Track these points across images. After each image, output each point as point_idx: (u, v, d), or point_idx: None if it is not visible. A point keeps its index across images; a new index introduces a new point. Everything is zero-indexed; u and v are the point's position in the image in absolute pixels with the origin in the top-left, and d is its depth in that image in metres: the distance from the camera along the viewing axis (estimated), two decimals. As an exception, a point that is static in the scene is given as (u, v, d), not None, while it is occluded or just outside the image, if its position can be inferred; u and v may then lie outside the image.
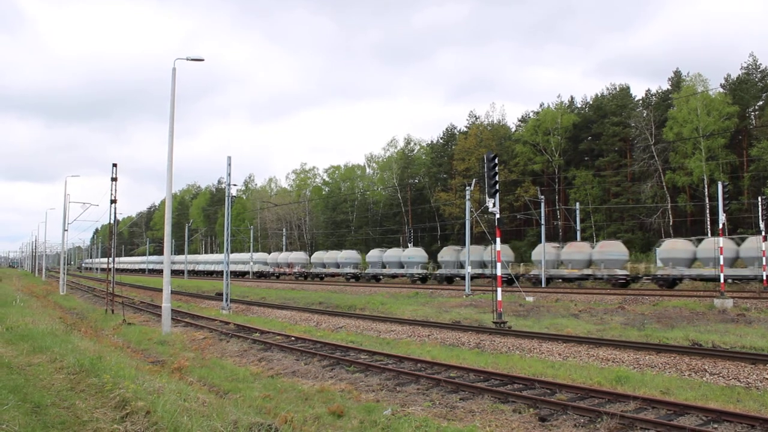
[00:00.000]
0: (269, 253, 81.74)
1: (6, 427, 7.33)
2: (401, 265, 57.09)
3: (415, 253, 57.26)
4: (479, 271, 48.04)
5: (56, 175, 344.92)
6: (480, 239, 56.90)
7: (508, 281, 44.94)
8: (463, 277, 47.73)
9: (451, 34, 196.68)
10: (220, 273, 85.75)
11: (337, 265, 64.69)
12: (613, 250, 42.29)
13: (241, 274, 79.79)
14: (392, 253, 59.36)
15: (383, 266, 59.09)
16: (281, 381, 13.54)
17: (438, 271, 53.98)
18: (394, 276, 58.50)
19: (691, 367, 14.09)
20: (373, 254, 61.23)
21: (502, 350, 17.77)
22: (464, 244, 42.19)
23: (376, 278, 59.83)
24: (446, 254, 53.19)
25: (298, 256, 73.44)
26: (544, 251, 44.56)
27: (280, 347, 18.71)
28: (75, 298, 45.28)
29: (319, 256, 69.06)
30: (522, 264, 54.63)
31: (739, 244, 37.80)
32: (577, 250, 44.06)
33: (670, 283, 38.96)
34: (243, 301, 36.77)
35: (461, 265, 49.55)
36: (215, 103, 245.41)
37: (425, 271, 56.45)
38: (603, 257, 41.83)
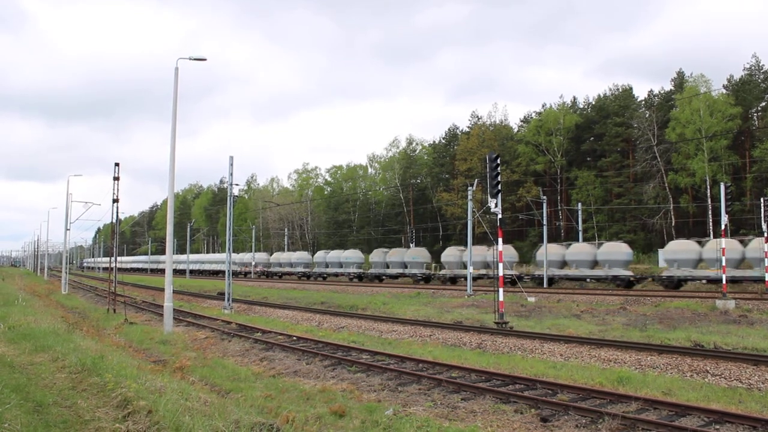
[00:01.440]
0: (271, 254, 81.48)
1: (8, 426, 7.34)
2: (404, 266, 57.05)
3: (418, 254, 57.21)
4: (483, 271, 47.94)
5: (58, 175, 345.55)
6: (482, 239, 56.90)
7: (512, 282, 45.00)
8: (466, 278, 47.66)
9: (452, 34, 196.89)
10: (213, 272, 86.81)
11: (340, 265, 64.52)
12: (617, 250, 42.22)
13: (243, 275, 79.65)
14: (395, 254, 59.30)
15: (386, 266, 59.00)
16: (283, 381, 13.54)
17: (441, 272, 53.88)
18: (397, 276, 58.45)
19: (693, 368, 14.08)
20: (377, 254, 61.19)
21: (504, 350, 17.76)
22: (467, 245, 42.12)
23: (379, 278, 59.71)
24: (449, 255, 53.10)
25: (300, 256, 73.02)
26: (546, 251, 44.55)
27: (282, 347, 18.72)
28: (77, 297, 45.33)
29: (322, 255, 68.77)
30: (524, 264, 54.58)
31: (746, 245, 37.67)
32: (582, 250, 43.94)
33: (676, 284, 38.82)
34: (245, 301, 36.79)
35: (464, 266, 49.13)
36: (217, 103, 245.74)
37: (428, 271, 56.34)
38: (608, 258, 41.73)
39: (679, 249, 39.73)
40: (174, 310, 23.75)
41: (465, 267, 47.96)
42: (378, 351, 17.11)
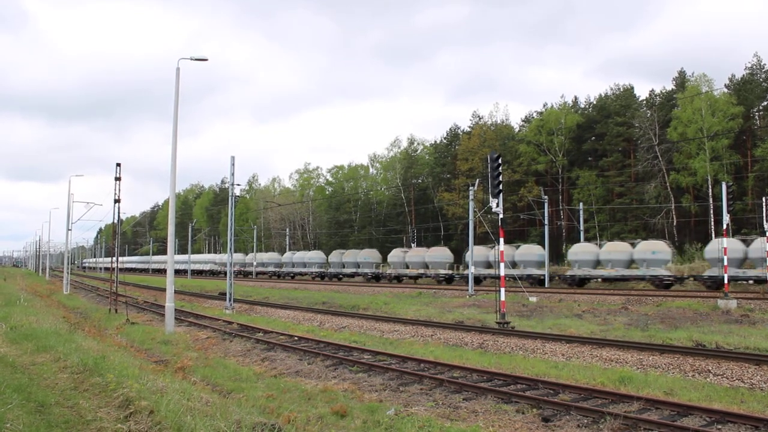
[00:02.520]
0: (282, 254, 79.34)
1: (10, 427, 7.35)
2: (426, 266, 54.64)
3: (440, 253, 54.86)
4: (511, 272, 45.02)
5: (59, 175, 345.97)
6: (484, 239, 56.83)
7: (541, 281, 44.44)
8: (494, 278, 46.86)
9: (452, 34, 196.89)
10: (207, 272, 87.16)
11: (357, 266, 62.20)
12: (656, 249, 40.13)
13: (243, 275, 79.53)
14: (415, 253, 56.89)
15: (406, 266, 56.63)
16: (284, 381, 13.54)
17: (466, 271, 51.52)
18: (417, 277, 56.00)
19: (695, 368, 14.07)
20: (396, 254, 58.55)
21: (506, 350, 17.75)
22: (469, 245, 42.04)
23: (398, 279, 57.10)
24: (475, 253, 50.58)
25: (314, 256, 70.65)
26: (548, 251, 44.46)
27: (284, 347, 18.72)
28: (79, 297, 45.37)
29: (338, 255, 66.18)
30: (554, 264, 52.86)
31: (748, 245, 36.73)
32: (617, 249, 41.92)
33: (720, 285, 37.83)
34: (246, 301, 36.80)
35: (490, 265, 47.92)
36: (218, 103, 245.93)
37: (451, 271, 53.86)
38: (646, 257, 39.68)
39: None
40: (175, 310, 23.77)
41: (491, 266, 47.41)
42: (379, 351, 17.11)
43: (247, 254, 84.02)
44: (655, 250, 40.00)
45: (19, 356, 13.36)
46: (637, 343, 17.36)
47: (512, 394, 11.69)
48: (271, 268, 76.92)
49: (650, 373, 13.81)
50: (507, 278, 40.95)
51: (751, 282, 36.30)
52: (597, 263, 42.76)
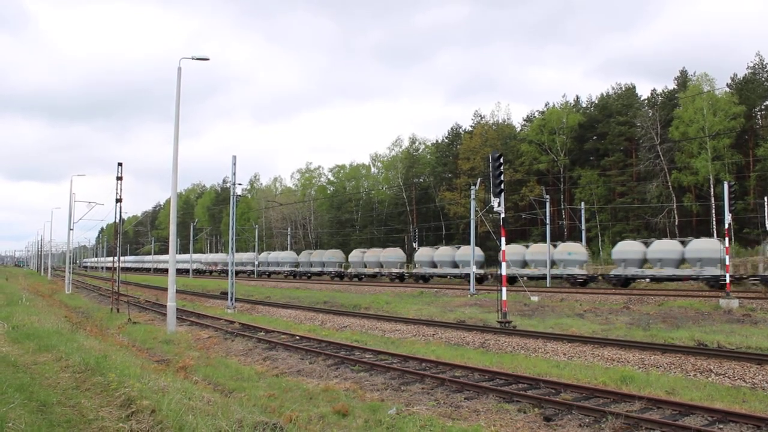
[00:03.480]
0: (298, 253, 77.17)
1: (12, 426, 7.36)
2: (455, 265, 52.29)
3: (470, 252, 52.53)
4: (547, 271, 44.40)
5: (61, 175, 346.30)
6: (485, 239, 56.83)
7: (583, 283, 42.77)
8: (530, 278, 45.77)
9: (452, 34, 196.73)
10: (199, 272, 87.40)
11: (380, 265, 60.04)
12: (709, 247, 37.64)
13: (246, 274, 79.50)
14: (444, 252, 54.45)
15: (434, 265, 54.79)
16: (286, 380, 13.55)
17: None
18: (445, 276, 53.88)
19: (697, 368, 14.05)
20: (423, 253, 56.47)
21: (507, 350, 17.75)
22: (470, 244, 41.89)
23: (425, 279, 55.40)
24: (510, 252, 48.01)
25: (333, 255, 68.12)
26: (549, 251, 44.31)
27: (285, 346, 18.73)
28: (80, 297, 45.42)
29: (359, 255, 63.38)
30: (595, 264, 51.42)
31: None
32: (666, 248, 39.52)
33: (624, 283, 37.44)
34: (248, 300, 36.82)
35: (526, 264, 46.71)
36: (219, 103, 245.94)
37: (483, 270, 50.97)
38: (698, 255, 37.37)
39: None
40: (177, 309, 23.78)
41: (526, 265, 46.67)
42: (381, 350, 17.11)
43: (299, 253, 79.09)
44: (709, 249, 37.38)
45: (21, 356, 13.37)
46: (638, 342, 17.35)
47: (514, 394, 11.69)
48: (286, 268, 74.81)
49: (652, 373, 13.80)
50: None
51: (647, 281, 38.14)
52: (644, 262, 40.68)
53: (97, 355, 12.65)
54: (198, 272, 79.99)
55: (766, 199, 35.86)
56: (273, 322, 25.86)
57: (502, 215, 21.97)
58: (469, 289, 38.65)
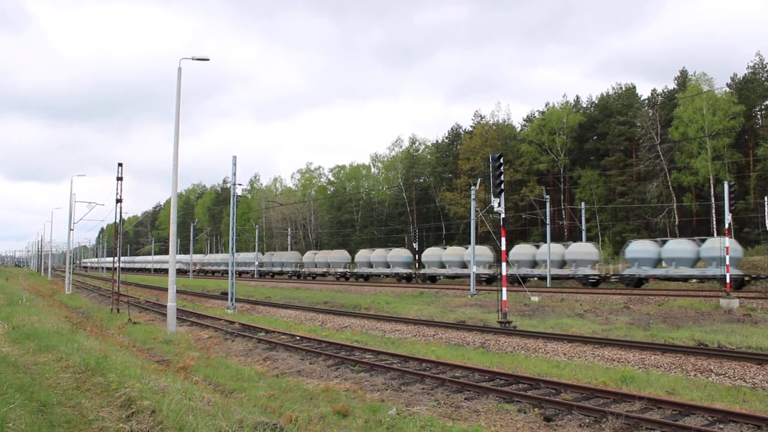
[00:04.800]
0: (302, 253, 76.62)
1: (12, 426, 7.36)
2: (464, 265, 51.20)
3: (480, 252, 50.13)
4: (561, 271, 43.97)
5: (61, 175, 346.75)
6: (485, 239, 56.78)
7: (595, 283, 42.09)
8: (542, 278, 45.20)
9: (452, 34, 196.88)
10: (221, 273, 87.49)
11: (387, 265, 59.25)
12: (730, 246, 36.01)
13: (248, 274, 79.46)
14: (453, 252, 53.99)
15: (442, 266, 54.08)
16: (286, 380, 13.55)
17: (510, 271, 46.90)
18: (455, 276, 53.05)
19: (697, 368, 14.05)
20: (431, 253, 55.88)
21: (507, 350, 17.75)
22: (471, 244, 41.86)
23: (432, 279, 54.79)
24: (519, 252, 47.36)
25: (339, 255, 66.67)
26: (549, 250, 44.30)
27: (285, 346, 18.73)
28: (80, 297, 45.41)
29: (366, 254, 62.15)
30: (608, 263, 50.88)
31: None
32: (681, 247, 38.46)
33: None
34: (248, 301, 36.82)
35: (536, 264, 46.17)
36: (219, 104, 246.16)
37: (491, 271, 49.90)
38: (714, 255, 36.38)
39: None
40: (177, 310, 23.78)
41: (536, 265, 46.38)
42: (381, 350, 17.11)
43: (304, 253, 77.15)
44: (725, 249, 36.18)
45: (21, 356, 13.38)
46: (639, 342, 17.35)
47: (514, 394, 11.69)
48: (291, 269, 73.72)
49: (652, 373, 13.79)
50: (565, 278, 40.40)
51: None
52: (658, 261, 40.08)
53: (97, 356, 12.65)
54: (297, 276, 74.90)
55: (766, 198, 35.80)
56: (273, 323, 25.86)
57: (503, 215, 21.96)
58: (469, 290, 38.62)
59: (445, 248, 56.27)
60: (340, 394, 11.85)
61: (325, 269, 66.36)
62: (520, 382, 12.89)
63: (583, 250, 44.41)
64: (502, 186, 21.79)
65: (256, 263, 77.48)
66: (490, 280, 48.35)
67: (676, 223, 58.98)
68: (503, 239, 21.81)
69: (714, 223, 53.74)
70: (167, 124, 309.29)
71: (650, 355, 15.45)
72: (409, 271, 57.18)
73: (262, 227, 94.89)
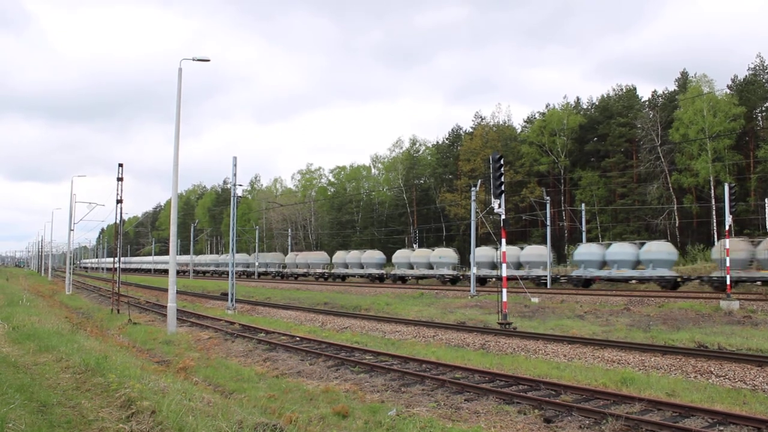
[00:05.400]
0: (332, 254, 71.73)
1: (12, 426, 7.36)
2: (430, 266, 52.53)
3: (445, 254, 52.22)
4: (516, 272, 43.95)
5: (61, 175, 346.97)
6: (486, 240, 56.78)
7: (545, 283, 42.80)
8: (498, 278, 44.79)
9: (451, 35, 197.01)
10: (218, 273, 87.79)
11: (361, 266, 59.59)
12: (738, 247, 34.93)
13: (246, 275, 79.43)
14: (420, 254, 54.48)
15: (410, 267, 54.23)
16: (286, 381, 13.55)
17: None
18: (422, 277, 53.77)
19: (697, 369, 14.04)
20: (401, 254, 56.09)
21: (507, 351, 17.74)
22: (471, 245, 41.84)
23: (402, 279, 55.22)
24: (481, 254, 46.59)
25: (372, 255, 60.98)
26: (549, 251, 44.31)
27: (285, 347, 18.74)
28: (81, 297, 45.43)
29: (405, 254, 57.08)
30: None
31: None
32: (738, 247, 34.92)
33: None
34: (248, 302, 36.82)
35: (494, 266, 45.22)
36: (219, 104, 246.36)
37: (455, 272, 50.84)
38: (650, 257, 37.79)
39: None
40: (177, 310, 23.79)
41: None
42: (381, 352, 17.11)
43: (332, 254, 70.95)
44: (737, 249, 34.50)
45: (21, 356, 13.38)
46: (639, 344, 17.34)
47: (514, 395, 11.68)
48: (319, 270, 68.82)
49: (652, 374, 13.79)
50: (520, 278, 40.89)
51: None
52: (603, 264, 41.02)
53: (97, 356, 12.65)
54: (323, 277, 71.05)
55: (766, 200, 35.66)
56: (273, 324, 25.86)
57: (503, 216, 21.97)
58: (469, 290, 38.60)
59: (413, 250, 57.19)
60: (340, 395, 11.86)
61: (358, 270, 61.82)
62: (520, 384, 12.89)
63: (536, 252, 46.48)
64: (503, 187, 21.79)
65: (257, 263, 77.56)
66: (454, 280, 50.18)
67: (677, 224, 58.96)
68: (503, 240, 21.82)
69: (714, 224, 53.73)
70: (167, 125, 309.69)
71: (650, 357, 15.45)
72: (382, 271, 58.40)
73: (262, 228, 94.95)
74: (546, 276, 43.76)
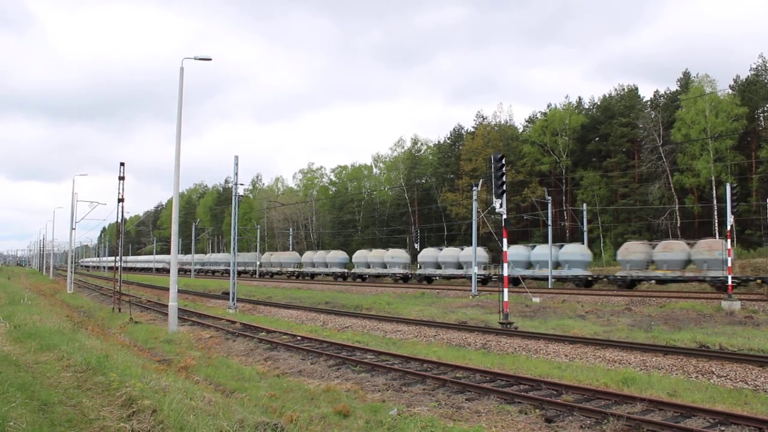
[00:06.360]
0: (351, 253, 70.65)
1: (14, 425, 7.36)
2: (459, 266, 51.63)
3: (477, 254, 51.27)
4: (456, 271, 46.85)
5: (62, 175, 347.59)
6: (487, 240, 56.74)
7: (484, 281, 45.68)
8: (466, 277, 46.17)
9: (451, 36, 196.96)
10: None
11: (384, 266, 58.76)
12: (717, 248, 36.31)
13: (249, 274, 79.47)
14: (449, 253, 53.56)
15: (438, 266, 53.81)
16: (287, 380, 13.55)
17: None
18: (451, 277, 52.43)
19: (699, 369, 14.03)
20: (427, 254, 55.07)
21: (509, 351, 17.73)
22: (472, 245, 41.87)
23: (428, 279, 54.44)
24: (447, 254, 48.80)
25: (396, 255, 59.18)
26: (551, 251, 44.28)
27: (287, 347, 18.73)
28: (82, 296, 45.46)
29: (432, 254, 55.48)
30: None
31: None
32: (545, 251, 41.20)
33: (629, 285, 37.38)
34: (249, 301, 36.83)
35: (461, 266, 47.18)
36: (221, 104, 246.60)
37: (486, 272, 49.88)
38: (567, 258, 41.69)
39: None
40: (179, 309, 23.80)
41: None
42: (382, 351, 17.10)
43: (354, 253, 68.96)
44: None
45: (22, 355, 13.39)
46: (640, 344, 17.32)
47: (515, 395, 11.67)
48: (337, 269, 68.40)
49: (653, 375, 13.77)
50: (459, 277, 41.66)
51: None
52: (529, 264, 44.82)
53: (98, 355, 12.65)
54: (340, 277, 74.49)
55: (768, 201, 35.66)
56: (274, 323, 25.86)
57: (504, 216, 21.95)
58: (470, 290, 38.58)
59: (441, 249, 56.36)
60: (341, 394, 11.85)
61: (381, 270, 60.49)
62: (521, 383, 12.87)
63: (716, 248, 44.51)
64: (504, 187, 21.77)
65: (258, 263, 77.95)
66: (485, 280, 48.77)
67: (678, 224, 58.89)
68: (505, 240, 21.80)
69: (716, 225, 53.68)
70: (168, 124, 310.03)
71: (652, 357, 15.43)
72: (406, 271, 57.54)
73: (263, 227, 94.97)
74: (481, 275, 46.61)
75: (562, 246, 46.11)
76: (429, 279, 54.42)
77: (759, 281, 36.41)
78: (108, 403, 8.99)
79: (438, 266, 54.09)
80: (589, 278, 43.36)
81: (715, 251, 36.57)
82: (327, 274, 65.99)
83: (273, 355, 17.67)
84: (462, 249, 52.42)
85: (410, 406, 11.04)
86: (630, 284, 40.36)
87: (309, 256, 69.45)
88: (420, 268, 55.82)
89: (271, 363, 16.33)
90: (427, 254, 55.56)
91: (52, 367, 12.02)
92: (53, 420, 8.06)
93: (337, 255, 65.75)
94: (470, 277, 45.02)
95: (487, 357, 16.44)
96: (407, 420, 9.54)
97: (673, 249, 39.12)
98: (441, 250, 55.64)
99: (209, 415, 7.95)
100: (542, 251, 44.92)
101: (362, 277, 60.41)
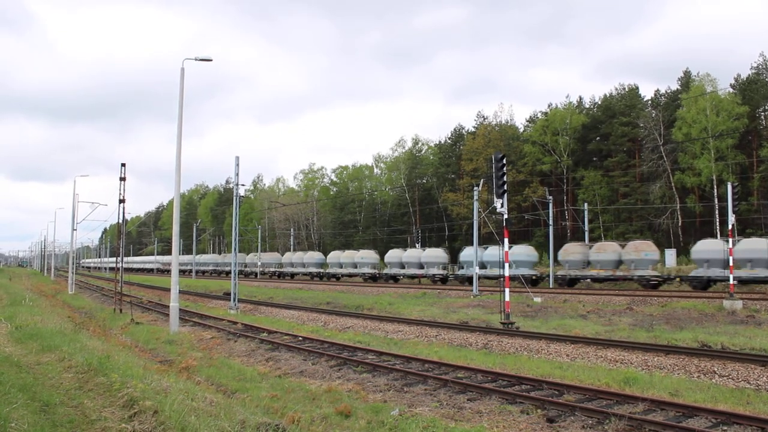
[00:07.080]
0: (381, 254, 67.92)
1: (15, 426, 7.36)
2: (420, 266, 53.74)
3: (435, 254, 53.20)
4: (417, 271, 48.39)
5: (63, 175, 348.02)
6: (488, 239, 56.69)
7: (442, 280, 48.05)
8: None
9: (451, 36, 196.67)
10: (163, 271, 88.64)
11: (355, 266, 60.73)
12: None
13: (254, 275, 79.57)
14: (411, 254, 55.75)
15: (402, 266, 55.60)
16: (289, 381, 13.54)
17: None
18: (413, 276, 55.07)
19: (700, 369, 14.01)
20: (393, 255, 57.46)
21: (510, 351, 17.72)
22: (473, 245, 41.88)
23: (394, 279, 56.20)
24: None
25: (434, 254, 55.67)
26: (552, 251, 44.28)
27: (288, 347, 18.73)
28: (83, 297, 45.47)
29: (336, 255, 62.30)
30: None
31: None
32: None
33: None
34: (251, 301, 36.82)
35: (588, 264, 43.68)
36: (221, 104, 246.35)
37: (444, 272, 52.24)
38: (516, 259, 40.96)
39: None
40: (180, 310, 23.79)
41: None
42: (384, 351, 17.09)
43: (357, 250, 68.58)
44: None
45: (24, 356, 13.39)
46: (642, 343, 17.29)
47: (517, 395, 11.67)
48: (367, 269, 66.12)
49: (655, 374, 13.75)
50: (421, 276, 42.51)
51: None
52: (483, 265, 45.07)
53: (99, 356, 12.65)
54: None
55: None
56: (276, 323, 25.86)
57: (505, 216, 21.93)
58: (472, 290, 38.58)
59: (405, 250, 59.21)
60: (342, 394, 11.84)
61: (418, 271, 58.37)
62: (522, 383, 12.86)
63: (434, 254, 53.06)
64: (505, 187, 21.75)
65: (259, 263, 78.05)
66: (444, 279, 51.91)
67: (679, 224, 58.86)
68: (506, 240, 21.78)
69: (717, 224, 53.64)
70: (169, 125, 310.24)
71: (653, 357, 15.41)
72: (375, 271, 59.92)
73: (264, 228, 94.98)
74: (440, 274, 50.91)
75: (512, 247, 45.24)
76: (395, 278, 57.04)
77: (679, 279, 38.72)
78: (109, 404, 8.99)
79: (402, 266, 56.52)
80: (534, 277, 45.58)
81: (642, 252, 39.46)
82: (304, 274, 69.45)
83: (274, 355, 17.67)
84: (423, 250, 55.89)
85: (412, 407, 11.03)
86: (569, 282, 43.01)
87: (288, 256, 73.53)
88: (387, 267, 58.50)
89: (273, 363, 16.33)
90: (393, 255, 58.25)
91: (54, 368, 12.02)
92: (55, 421, 8.06)
93: (314, 256, 70.03)
94: (430, 276, 52.27)
95: (488, 357, 16.43)
96: (409, 420, 9.54)
97: (606, 250, 41.79)
98: (405, 251, 58.71)
99: (211, 416, 7.94)
100: (494, 252, 44.72)
101: (336, 277, 63.47)
